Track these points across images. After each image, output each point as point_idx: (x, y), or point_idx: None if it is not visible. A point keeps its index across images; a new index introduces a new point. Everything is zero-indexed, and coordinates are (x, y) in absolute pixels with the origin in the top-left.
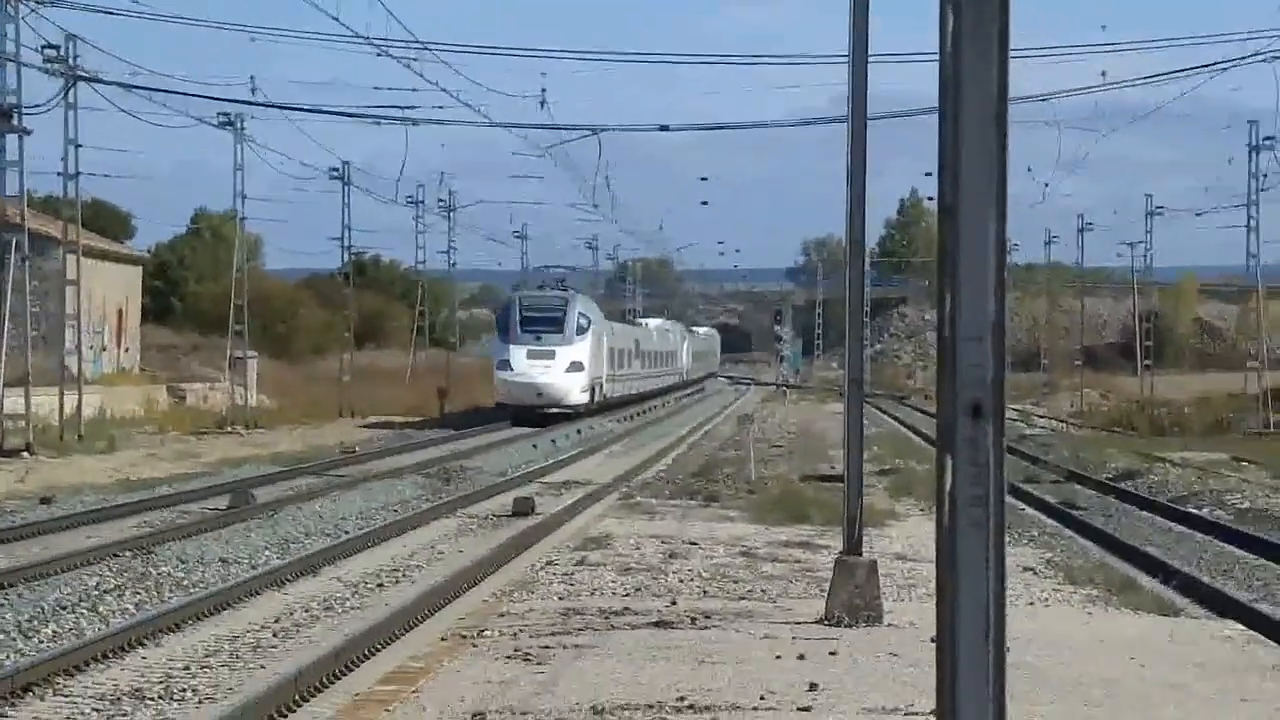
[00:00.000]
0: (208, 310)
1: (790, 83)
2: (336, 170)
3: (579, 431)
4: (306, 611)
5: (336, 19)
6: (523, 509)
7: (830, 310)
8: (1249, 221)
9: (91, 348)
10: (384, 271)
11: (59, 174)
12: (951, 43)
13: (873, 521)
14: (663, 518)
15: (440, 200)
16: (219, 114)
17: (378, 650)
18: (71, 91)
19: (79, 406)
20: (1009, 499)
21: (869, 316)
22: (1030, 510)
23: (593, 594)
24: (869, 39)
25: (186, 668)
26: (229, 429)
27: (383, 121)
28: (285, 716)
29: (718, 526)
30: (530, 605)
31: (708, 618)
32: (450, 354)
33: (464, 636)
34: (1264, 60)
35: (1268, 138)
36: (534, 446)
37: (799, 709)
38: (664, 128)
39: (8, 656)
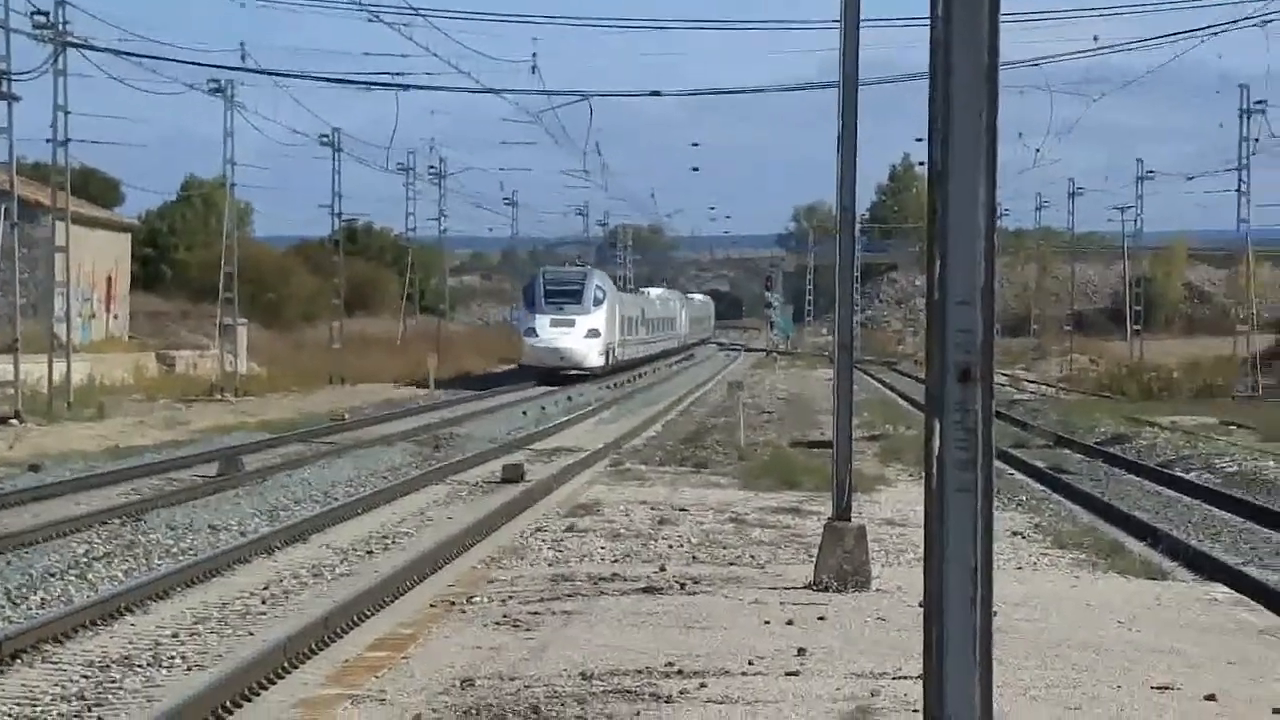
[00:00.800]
0: (197, 277)
1: (780, 48)
2: (326, 137)
3: (569, 399)
4: (296, 578)
5: None
6: (512, 476)
7: (821, 276)
8: (1239, 186)
9: (81, 315)
10: (374, 239)
11: (48, 141)
12: (943, 6)
13: (862, 487)
14: (652, 484)
15: (430, 167)
16: (209, 80)
17: (367, 617)
18: (61, 58)
19: (68, 374)
20: (997, 463)
21: (859, 282)
22: (1019, 475)
23: (582, 560)
24: (860, 3)
25: (175, 635)
26: (218, 396)
27: (373, 87)
28: (274, 683)
29: (707, 493)
30: (519, 572)
31: (696, 583)
32: (441, 321)
33: (453, 603)
34: (1255, 25)
35: (1258, 102)
36: (523, 413)
37: (787, 674)
38: (655, 93)
39: None
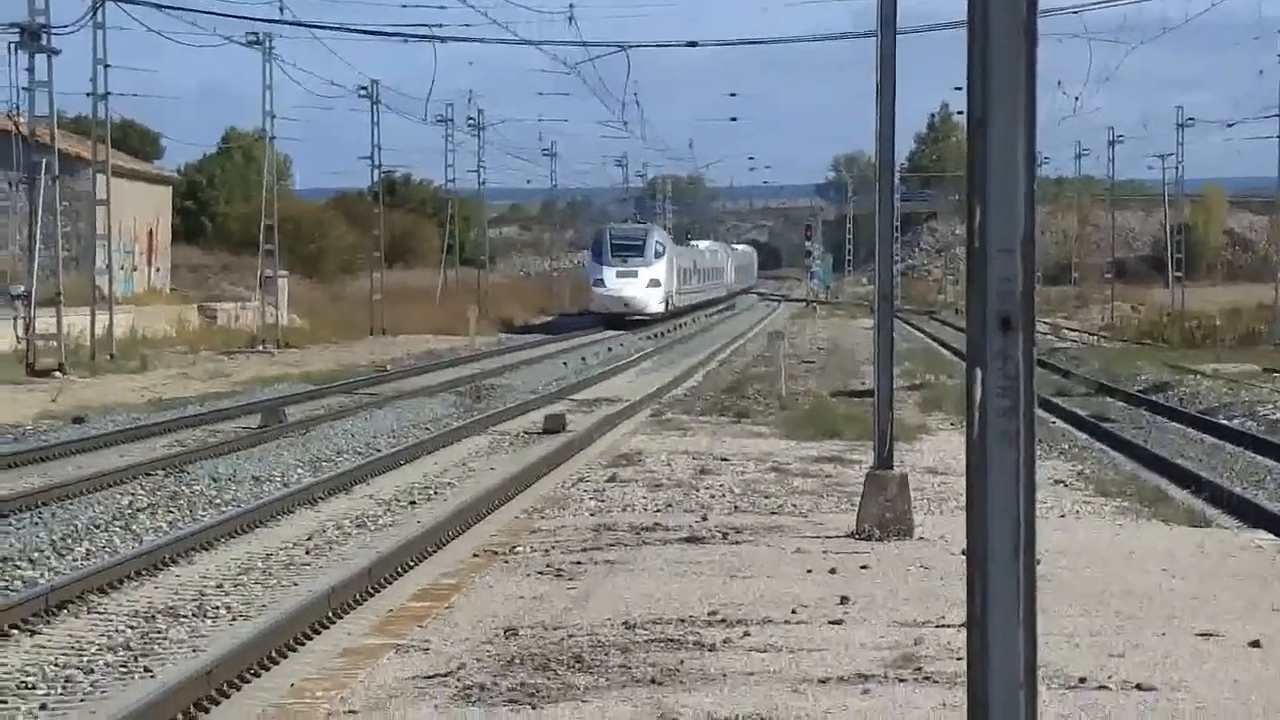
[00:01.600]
0: (238, 230)
1: None
2: (365, 89)
3: (609, 349)
4: (339, 529)
5: None
6: (554, 426)
7: (860, 226)
8: (1279, 133)
9: (122, 268)
10: (413, 191)
11: (88, 94)
12: None
13: (903, 436)
14: (693, 434)
15: (469, 119)
16: (247, 33)
17: (410, 567)
18: (100, 11)
19: (110, 326)
20: (1039, 411)
21: (899, 232)
22: (1060, 423)
23: (624, 510)
24: None
25: (220, 585)
26: (260, 348)
27: (411, 39)
28: (319, 633)
29: (748, 442)
30: (561, 522)
31: (739, 533)
32: (480, 272)
33: (496, 553)
34: None
35: None
36: (564, 364)
37: (830, 622)
38: (692, 44)
39: (42, 574)
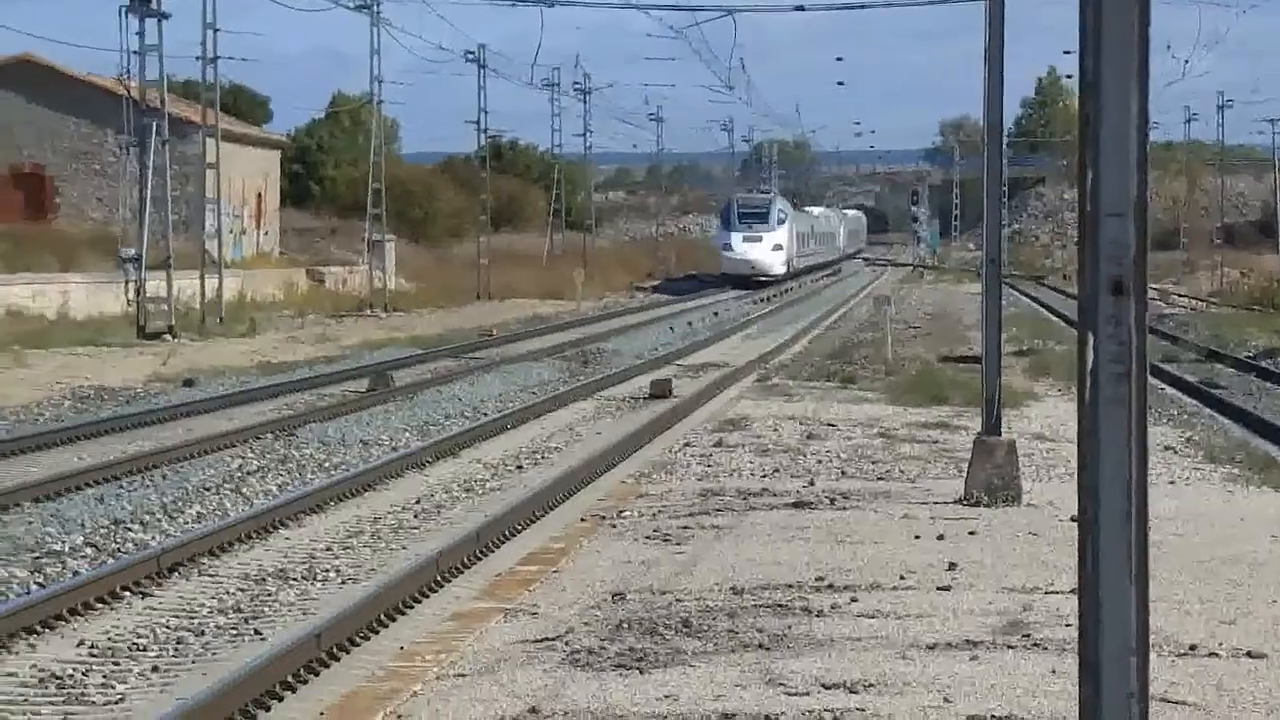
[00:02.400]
0: (345, 194)
1: None
2: (472, 53)
3: (715, 314)
4: (446, 493)
5: None
6: (660, 391)
7: (967, 191)
8: None
9: (231, 231)
10: (520, 155)
11: (197, 58)
12: None
13: (1011, 402)
14: (800, 399)
15: (575, 83)
16: None
17: (518, 531)
18: None
19: (219, 290)
20: (1149, 377)
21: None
22: (1169, 389)
23: (730, 475)
24: None
25: (329, 548)
26: (368, 312)
27: (518, 3)
28: (427, 596)
29: (855, 408)
30: (668, 487)
31: (846, 498)
32: (587, 236)
33: (603, 518)
34: None
35: None
36: (670, 329)
37: (938, 588)
38: (799, 8)
39: (154, 537)
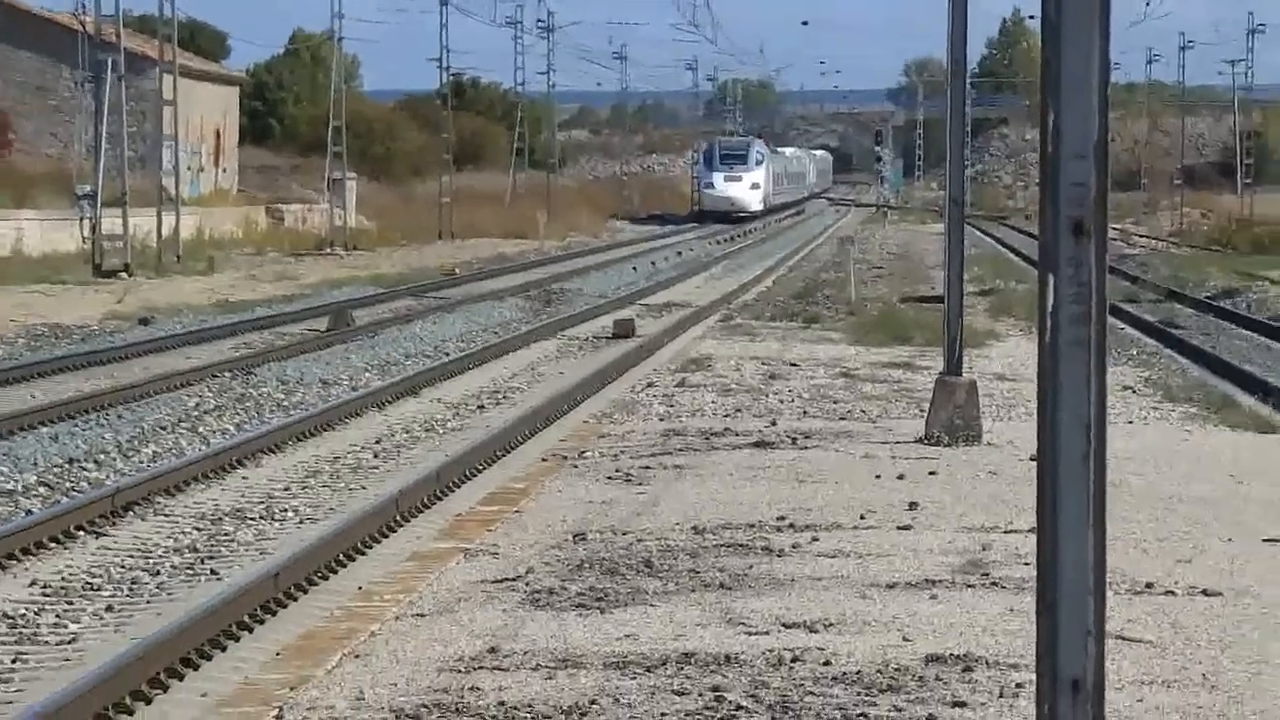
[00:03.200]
0: (306, 131)
1: None
2: None
3: (679, 254)
4: (407, 432)
5: None
6: (623, 331)
7: (931, 131)
8: None
9: (189, 168)
10: (482, 93)
11: None
12: None
13: (973, 342)
14: (763, 339)
15: (539, 21)
16: None
17: (479, 471)
18: None
19: (177, 227)
20: (1109, 318)
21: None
22: (1129, 329)
23: (693, 415)
24: None
25: (287, 488)
26: (328, 251)
27: None
28: (387, 536)
29: (818, 348)
30: (630, 427)
31: (808, 438)
32: (550, 176)
33: (565, 458)
34: None
35: None
36: (633, 269)
37: (899, 527)
38: None
39: (108, 476)
